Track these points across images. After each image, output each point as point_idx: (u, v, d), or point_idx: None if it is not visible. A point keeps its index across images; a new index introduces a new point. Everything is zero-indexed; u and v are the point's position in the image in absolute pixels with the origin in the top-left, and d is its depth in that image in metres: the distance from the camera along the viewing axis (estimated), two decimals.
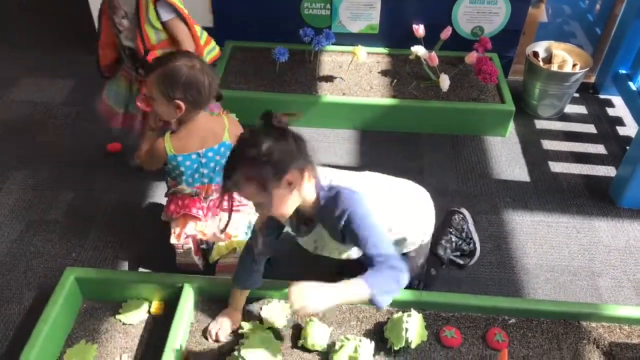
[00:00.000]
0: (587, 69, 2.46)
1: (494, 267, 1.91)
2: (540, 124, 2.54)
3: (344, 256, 1.51)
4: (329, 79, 2.57)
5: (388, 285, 1.28)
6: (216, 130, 1.65)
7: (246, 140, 1.24)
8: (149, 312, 1.66)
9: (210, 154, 1.64)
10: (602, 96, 2.71)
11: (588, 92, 2.73)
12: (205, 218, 1.71)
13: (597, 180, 2.26)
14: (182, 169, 1.64)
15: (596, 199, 2.18)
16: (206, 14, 2.68)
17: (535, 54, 2.55)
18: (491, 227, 2.05)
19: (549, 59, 2.54)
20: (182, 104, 1.55)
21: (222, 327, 1.56)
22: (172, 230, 1.72)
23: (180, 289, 1.62)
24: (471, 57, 2.43)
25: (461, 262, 1.82)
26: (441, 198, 1.93)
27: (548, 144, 2.44)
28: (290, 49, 2.60)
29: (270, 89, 2.49)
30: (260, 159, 1.21)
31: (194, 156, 1.63)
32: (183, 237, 1.70)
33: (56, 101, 2.59)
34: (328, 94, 2.48)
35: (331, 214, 1.34)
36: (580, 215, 2.11)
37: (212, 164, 1.66)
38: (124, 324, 1.63)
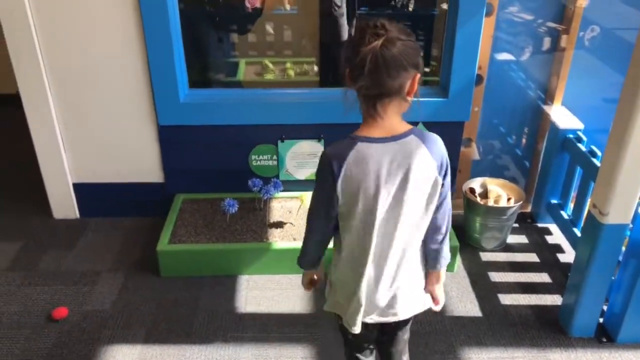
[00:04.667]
0: (521, 202, 2.62)
1: None
2: (485, 256, 2.63)
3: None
4: (279, 225, 2.63)
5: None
6: None
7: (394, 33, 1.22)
8: None
9: None
10: (539, 225, 2.86)
11: (526, 222, 2.88)
12: None
13: (546, 310, 2.31)
14: None
15: (548, 330, 2.21)
16: (157, 171, 2.78)
17: (472, 190, 2.72)
18: None
19: (485, 194, 2.71)
20: None
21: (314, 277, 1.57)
22: None
23: None
24: None
25: None
26: None
27: (495, 276, 2.51)
28: (240, 197, 2.70)
29: (222, 239, 2.52)
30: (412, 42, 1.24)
31: None
32: None
33: (1, 267, 2.53)
34: (279, 240, 2.52)
35: (429, 137, 1.32)
36: (535, 349, 2.12)
37: None
38: None
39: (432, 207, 1.35)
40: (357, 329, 1.46)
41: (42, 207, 2.86)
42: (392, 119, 1.30)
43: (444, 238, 1.42)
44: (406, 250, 1.38)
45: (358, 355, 1.64)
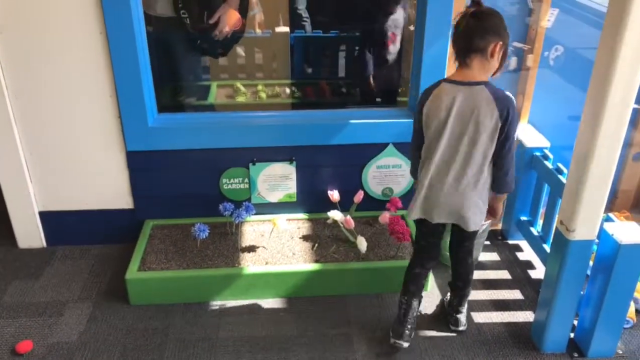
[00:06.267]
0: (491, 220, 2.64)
1: None
2: None
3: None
4: (252, 249, 2.60)
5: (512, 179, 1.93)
6: None
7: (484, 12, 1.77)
8: None
9: None
10: (510, 242, 2.89)
11: (497, 239, 2.90)
12: None
13: (519, 326, 2.32)
14: None
15: (521, 346, 2.22)
16: (126, 197, 2.74)
17: None
18: None
19: None
20: None
21: None
22: None
23: None
24: (384, 218, 2.57)
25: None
26: None
27: None
28: (211, 222, 2.66)
29: (193, 265, 2.48)
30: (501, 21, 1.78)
31: None
32: None
33: None
34: (251, 264, 2.50)
35: (500, 92, 1.80)
36: None
37: None
38: None
39: (494, 142, 1.83)
40: (413, 216, 2.04)
41: (6, 237, 2.79)
42: (475, 71, 1.80)
43: (505, 171, 1.90)
44: (468, 167, 1.86)
45: (421, 242, 2.16)
